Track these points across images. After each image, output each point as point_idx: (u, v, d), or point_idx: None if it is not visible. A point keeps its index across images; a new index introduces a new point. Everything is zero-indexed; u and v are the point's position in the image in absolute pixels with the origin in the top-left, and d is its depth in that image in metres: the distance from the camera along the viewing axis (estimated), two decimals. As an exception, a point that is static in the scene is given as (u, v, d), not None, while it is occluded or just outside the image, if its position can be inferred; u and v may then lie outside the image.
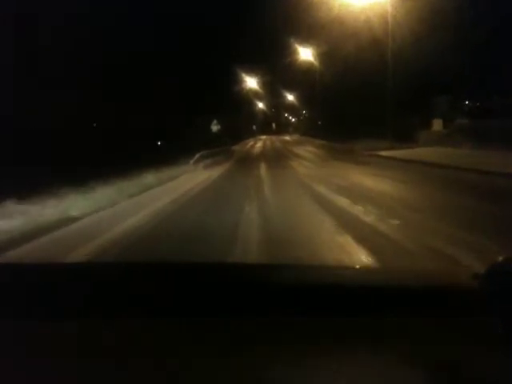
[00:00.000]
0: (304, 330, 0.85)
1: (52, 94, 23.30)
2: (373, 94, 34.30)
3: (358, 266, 1.90)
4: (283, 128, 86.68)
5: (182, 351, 0.82)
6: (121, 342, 0.86)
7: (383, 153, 19.74)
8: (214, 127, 26.90)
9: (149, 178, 11.39)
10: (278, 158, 20.89)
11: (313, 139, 41.45)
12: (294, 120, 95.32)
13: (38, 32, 23.56)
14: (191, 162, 18.45)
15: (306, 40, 41.17)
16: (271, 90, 65.94)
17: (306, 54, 42.03)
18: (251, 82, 56.52)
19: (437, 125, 25.29)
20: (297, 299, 0.92)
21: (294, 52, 42.66)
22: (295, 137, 56.77)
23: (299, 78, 48.83)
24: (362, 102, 36.66)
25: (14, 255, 4.50)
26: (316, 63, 41.42)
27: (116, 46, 30.87)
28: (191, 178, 12.68)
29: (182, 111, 35.86)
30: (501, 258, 0.90)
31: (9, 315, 0.94)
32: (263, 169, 15.17)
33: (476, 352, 0.78)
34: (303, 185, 10.01)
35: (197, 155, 19.85)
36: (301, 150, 27.05)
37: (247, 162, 20.34)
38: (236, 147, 35.27)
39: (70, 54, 26.40)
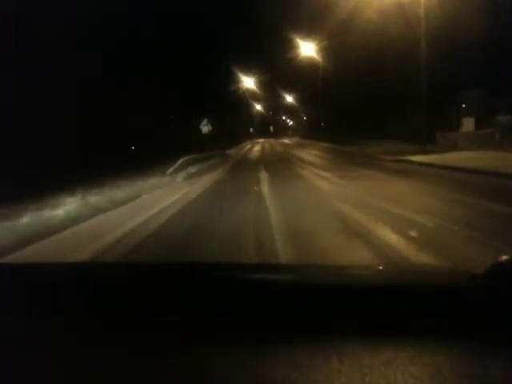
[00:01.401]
0: (304, 330, 0.82)
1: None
2: (384, 91, 29.92)
3: (358, 266, 1.69)
4: (281, 131, 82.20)
5: (181, 351, 0.79)
6: (121, 342, 0.83)
7: (415, 158, 15.07)
8: (205, 128, 22.05)
9: (71, 204, 6.51)
10: (282, 165, 16.06)
11: (315, 142, 36.77)
12: (291, 123, 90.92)
13: (38, 31, 21.66)
14: (169, 171, 13.64)
15: (307, 34, 36.55)
16: (269, 91, 61.18)
17: (307, 49, 37.35)
18: (248, 82, 51.74)
19: (467, 124, 20.62)
20: (297, 299, 0.89)
21: (295, 47, 37.98)
22: (295, 140, 51.94)
23: (300, 76, 44.18)
24: (371, 100, 32.15)
25: None
26: (319, 58, 36.73)
27: (111, 46, 27.42)
28: (154, 201, 7.85)
29: (169, 111, 31.09)
30: (501, 258, 0.85)
31: (9, 315, 0.92)
32: (265, 182, 10.36)
33: (476, 352, 0.75)
34: (345, 221, 5.26)
35: (178, 162, 15.04)
36: (307, 155, 22.25)
37: (244, 170, 15.46)
38: (231, 151, 30.40)
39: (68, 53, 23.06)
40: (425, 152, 16.35)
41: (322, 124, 38.60)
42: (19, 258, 4.05)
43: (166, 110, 31.11)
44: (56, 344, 0.83)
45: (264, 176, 11.90)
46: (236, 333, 0.83)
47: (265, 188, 9.21)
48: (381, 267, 1.82)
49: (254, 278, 1.03)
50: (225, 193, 8.98)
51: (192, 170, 15.37)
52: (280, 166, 15.93)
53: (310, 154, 23.27)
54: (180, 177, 12.91)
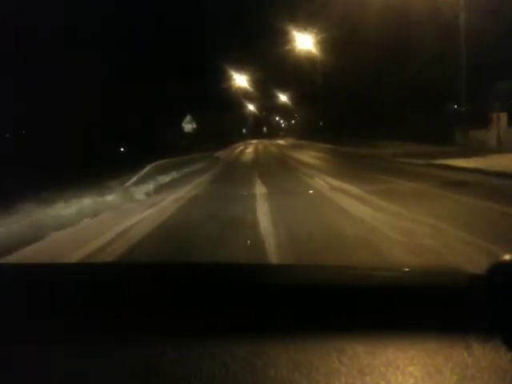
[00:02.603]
0: (304, 330, 0.79)
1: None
2: (389, 87, 26.28)
3: (358, 266, 1.44)
4: (275, 132, 78.37)
5: (180, 351, 0.76)
6: (120, 342, 0.80)
7: (455, 162, 11.28)
8: (188, 126, 18.08)
9: None
10: (283, 173, 12.11)
11: (313, 143, 32.98)
12: (284, 124, 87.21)
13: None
14: (130, 181, 9.72)
15: (304, 26, 32.59)
16: (263, 90, 57.14)
17: (304, 41, 33.42)
18: (240, 80, 47.68)
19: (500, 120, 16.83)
20: (297, 299, 0.87)
21: (291, 40, 34.02)
22: (290, 140, 47.98)
23: (296, 73, 40.29)
24: (374, 96, 28.47)
25: None
26: (316, 52, 32.84)
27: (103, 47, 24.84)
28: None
29: (156, 110, 27.17)
30: (501, 259, 0.82)
31: (9, 315, 0.89)
32: (264, 205, 6.45)
33: (476, 352, 0.73)
34: None
35: (146, 168, 11.13)
36: (310, 158, 18.38)
37: (234, 180, 11.48)
38: (221, 153, 26.45)
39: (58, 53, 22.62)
40: (464, 154, 12.52)
41: (321, 123, 34.72)
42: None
43: (152, 109, 27.49)
44: (55, 344, 0.81)
45: (261, 192, 7.98)
46: (236, 333, 0.80)
47: (264, 219, 5.31)
48: (381, 267, 1.42)
49: (254, 278, 0.97)
50: (198, 230, 5.05)
51: (165, 178, 11.45)
52: (281, 173, 11.98)
53: (313, 156, 19.41)
54: (142, 191, 8.98)
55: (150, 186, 9.75)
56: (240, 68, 44.81)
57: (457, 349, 0.74)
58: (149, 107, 27.03)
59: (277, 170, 13.06)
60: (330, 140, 29.46)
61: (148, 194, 8.88)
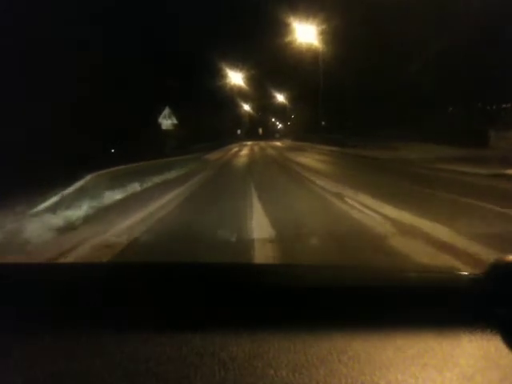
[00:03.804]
0: (304, 331, 0.78)
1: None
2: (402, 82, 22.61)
3: (358, 266, 1.45)
4: (270, 133, 74.69)
5: (180, 351, 0.75)
6: (120, 343, 0.78)
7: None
8: (166, 121, 14.09)
9: None
10: (293, 186, 8.17)
11: (313, 145, 29.39)
12: (280, 126, 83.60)
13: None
14: (46, 203, 5.77)
15: (305, 16, 28.79)
16: (259, 88, 53.39)
17: (305, 33, 29.66)
18: (235, 78, 43.84)
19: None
20: (297, 300, 0.85)
21: (290, 33, 30.21)
22: (287, 142, 44.14)
23: (295, 69, 36.48)
24: (382, 92, 24.77)
25: None
26: (318, 44, 29.03)
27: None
28: None
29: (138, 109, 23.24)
30: (501, 258, 0.80)
31: (8, 315, 0.86)
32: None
33: (476, 353, 0.72)
34: None
35: (82, 180, 7.25)
36: (321, 164, 14.55)
37: (219, 201, 7.43)
38: (211, 156, 22.55)
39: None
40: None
41: (323, 123, 30.90)
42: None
43: (141, 106, 23.68)
44: (55, 344, 0.79)
45: (264, 235, 4.09)
46: (236, 333, 0.78)
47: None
48: (381, 267, 1.46)
49: (254, 277, 0.94)
50: None
51: (116, 195, 7.55)
52: (290, 190, 7.99)
53: (323, 161, 15.57)
54: (58, 221, 5.15)
55: (80, 211, 5.86)
56: (235, 64, 41.06)
57: (457, 349, 0.72)
58: (138, 105, 23.47)
59: (283, 183, 9.09)
60: (333, 141, 25.70)
61: (67, 228, 5.00)
